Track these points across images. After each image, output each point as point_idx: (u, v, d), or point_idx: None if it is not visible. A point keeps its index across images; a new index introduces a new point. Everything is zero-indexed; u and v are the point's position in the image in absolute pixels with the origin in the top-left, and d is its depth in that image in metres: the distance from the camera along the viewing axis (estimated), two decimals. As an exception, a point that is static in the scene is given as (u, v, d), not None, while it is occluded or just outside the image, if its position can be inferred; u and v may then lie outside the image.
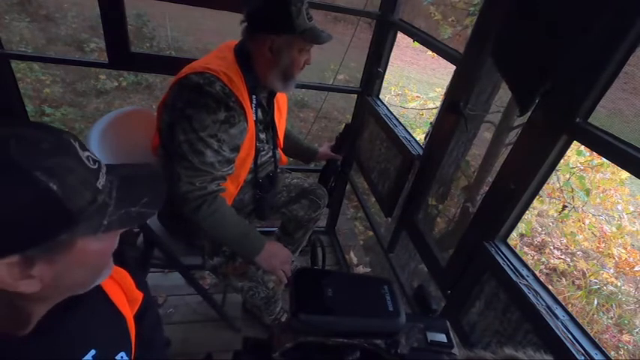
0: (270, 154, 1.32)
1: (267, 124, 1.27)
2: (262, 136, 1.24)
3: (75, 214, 0.43)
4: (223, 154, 1.06)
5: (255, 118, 1.15)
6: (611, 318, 3.93)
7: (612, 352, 3.62)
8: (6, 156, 0.38)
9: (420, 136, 4.58)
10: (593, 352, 0.78)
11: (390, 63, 1.73)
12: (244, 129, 1.10)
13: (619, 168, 0.88)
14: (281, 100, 1.34)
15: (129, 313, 0.68)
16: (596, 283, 4.16)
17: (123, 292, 0.69)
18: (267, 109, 1.25)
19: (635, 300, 4.11)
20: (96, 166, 0.46)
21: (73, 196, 0.42)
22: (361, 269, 2.40)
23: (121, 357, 0.62)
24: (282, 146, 1.41)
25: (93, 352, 0.57)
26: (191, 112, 1.01)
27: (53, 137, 0.43)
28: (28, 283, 0.43)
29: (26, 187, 0.39)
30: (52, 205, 0.41)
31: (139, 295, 0.74)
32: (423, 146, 1.43)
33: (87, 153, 0.46)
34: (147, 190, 0.54)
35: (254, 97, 1.14)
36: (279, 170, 1.40)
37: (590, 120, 0.79)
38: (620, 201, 4.50)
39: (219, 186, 1.10)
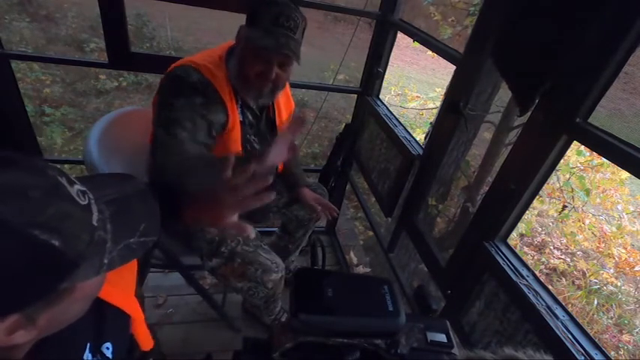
0: None
1: (259, 129, 1.24)
2: (252, 138, 1.21)
3: (75, 261, 0.39)
4: (197, 138, 1.03)
5: (241, 119, 1.14)
6: (611, 318, 3.92)
7: (612, 352, 3.62)
8: None
9: (420, 136, 4.58)
10: (593, 352, 0.78)
11: (390, 63, 1.73)
12: (223, 121, 1.08)
13: (619, 168, 0.88)
14: (284, 106, 1.33)
15: (115, 296, 0.65)
16: (596, 283, 4.16)
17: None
18: (258, 113, 1.22)
19: (635, 300, 4.11)
20: (86, 201, 0.42)
21: (73, 243, 0.39)
22: (361, 269, 2.40)
23: (107, 347, 0.60)
24: None
25: (88, 345, 0.56)
26: (171, 100, 1.02)
27: (40, 178, 0.38)
28: (22, 335, 0.40)
29: (24, 248, 0.36)
30: (53, 259, 0.38)
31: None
32: (423, 146, 1.43)
33: (76, 187, 0.41)
34: (141, 214, 0.49)
35: (239, 97, 1.12)
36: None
37: (590, 120, 0.79)
38: (620, 201, 4.50)
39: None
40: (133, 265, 0.70)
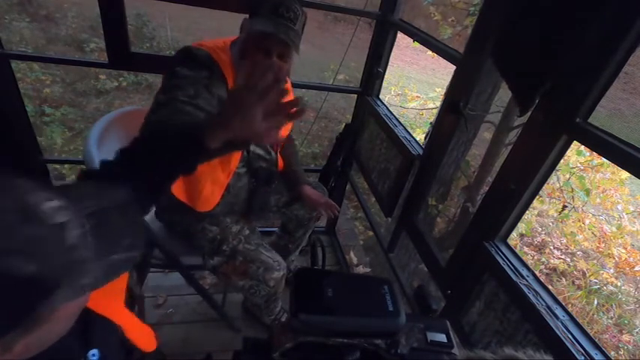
0: (266, 151, 1.32)
1: None
2: None
3: (52, 285, 0.36)
4: (198, 103, 0.98)
5: None
6: (611, 318, 3.92)
7: (612, 352, 3.62)
8: None
9: (420, 136, 4.58)
10: (593, 352, 0.78)
11: (390, 63, 1.73)
12: (225, 98, 1.07)
13: (619, 168, 0.88)
14: None
15: (103, 307, 0.62)
16: (596, 283, 4.16)
17: None
18: None
19: (635, 300, 4.11)
20: (64, 218, 0.38)
21: (49, 267, 0.36)
22: (361, 269, 2.40)
23: (93, 355, 0.59)
24: (280, 149, 1.40)
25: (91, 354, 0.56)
26: (176, 69, 1.03)
27: (10, 200, 0.36)
28: None
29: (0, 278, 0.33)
30: (29, 287, 0.35)
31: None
32: (423, 146, 1.43)
33: (51, 204, 0.38)
34: (124, 227, 0.46)
35: None
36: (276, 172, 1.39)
37: (590, 120, 0.79)
38: (620, 201, 4.50)
39: None
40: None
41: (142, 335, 0.71)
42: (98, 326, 0.61)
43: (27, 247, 0.35)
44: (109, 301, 0.64)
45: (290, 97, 1.34)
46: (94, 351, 0.59)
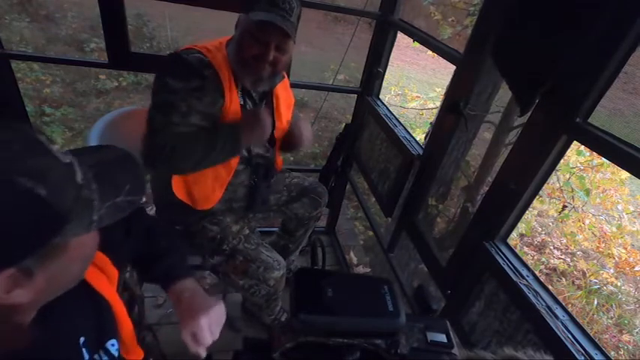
0: (265, 149, 1.32)
1: None
2: None
3: (65, 216, 0.40)
4: (191, 121, 1.05)
5: (242, 103, 1.16)
6: (611, 318, 3.92)
7: (612, 352, 3.62)
8: None
9: (420, 136, 4.58)
10: (593, 352, 0.78)
11: (390, 63, 1.73)
12: (220, 103, 1.10)
13: (619, 168, 0.88)
14: (284, 100, 1.34)
15: (112, 294, 0.66)
16: (596, 283, 4.16)
17: (102, 274, 0.66)
18: (257, 102, 1.24)
19: (635, 300, 4.11)
20: (69, 160, 0.43)
21: (60, 196, 0.40)
22: (361, 269, 2.40)
23: (112, 344, 0.60)
24: (278, 148, 1.40)
25: (82, 339, 0.56)
26: (167, 80, 1.05)
27: (20, 135, 0.40)
28: (20, 294, 0.41)
29: (12, 196, 0.37)
30: (41, 210, 0.38)
31: (115, 272, 0.72)
32: (423, 146, 1.43)
33: (56, 146, 0.44)
34: (125, 175, 0.50)
35: (239, 82, 1.15)
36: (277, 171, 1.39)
37: (590, 120, 0.79)
38: (620, 201, 4.50)
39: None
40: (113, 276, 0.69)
41: (132, 343, 0.71)
42: (110, 317, 0.63)
43: (37, 172, 0.38)
44: (108, 283, 0.66)
45: (289, 99, 1.34)
46: (113, 341, 0.61)
